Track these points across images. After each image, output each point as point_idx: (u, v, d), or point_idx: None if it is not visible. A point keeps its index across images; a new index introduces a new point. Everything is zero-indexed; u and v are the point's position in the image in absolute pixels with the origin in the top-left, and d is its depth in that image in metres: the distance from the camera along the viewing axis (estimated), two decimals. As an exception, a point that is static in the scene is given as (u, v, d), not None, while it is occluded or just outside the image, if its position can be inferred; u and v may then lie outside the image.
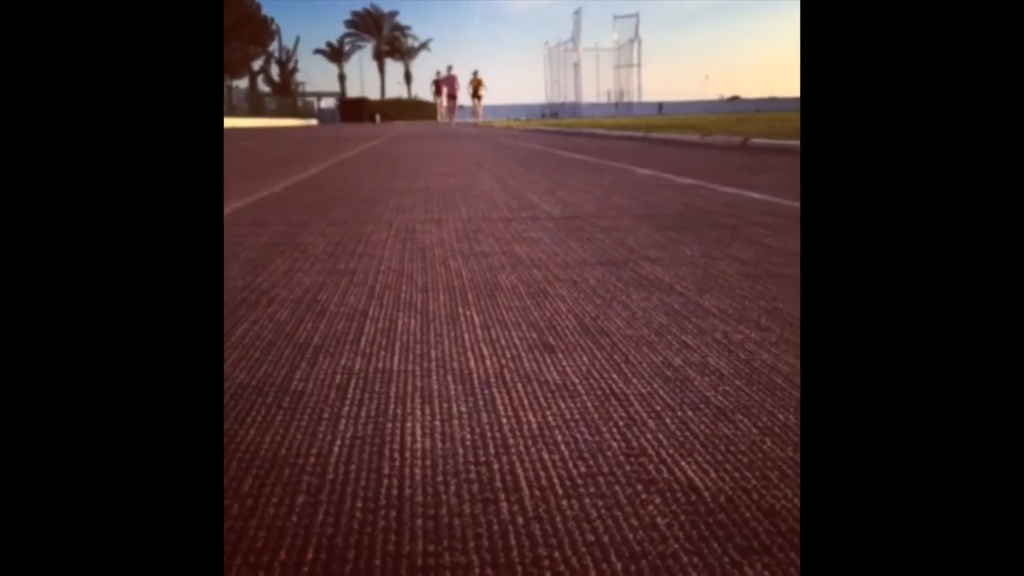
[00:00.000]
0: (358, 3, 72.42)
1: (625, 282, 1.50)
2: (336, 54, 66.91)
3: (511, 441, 0.78)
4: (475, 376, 0.98)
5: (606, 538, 0.61)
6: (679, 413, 0.85)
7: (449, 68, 25.08)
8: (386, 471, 0.72)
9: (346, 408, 0.88)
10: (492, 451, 0.76)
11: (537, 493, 0.68)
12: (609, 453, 0.75)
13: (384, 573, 0.57)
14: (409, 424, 0.83)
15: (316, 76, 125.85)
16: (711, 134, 7.84)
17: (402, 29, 68.61)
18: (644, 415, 0.85)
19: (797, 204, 2.59)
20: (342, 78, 66.56)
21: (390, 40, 67.75)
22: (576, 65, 43.22)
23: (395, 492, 0.68)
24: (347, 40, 67.25)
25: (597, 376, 0.97)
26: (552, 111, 44.90)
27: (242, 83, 47.84)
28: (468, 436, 0.80)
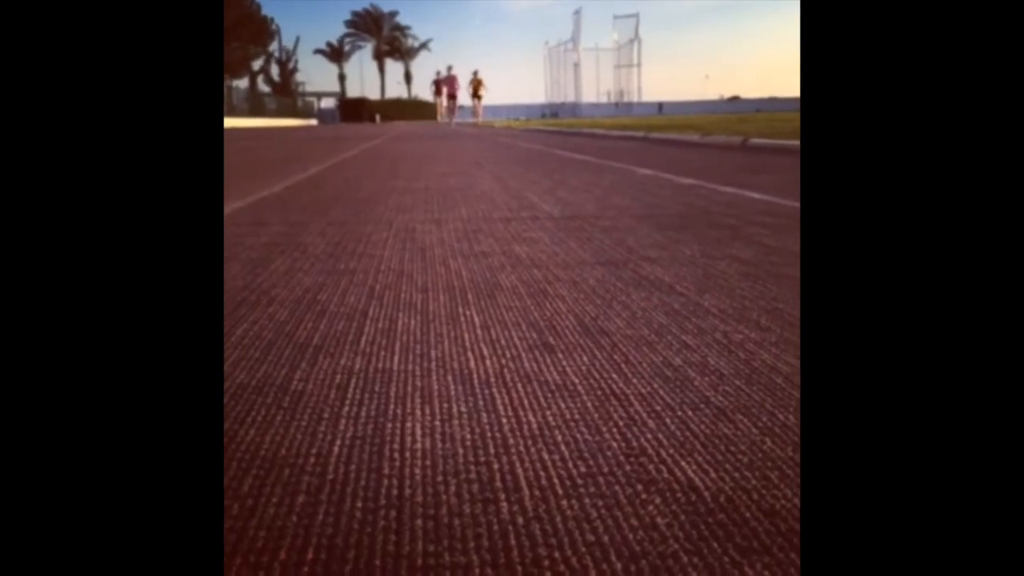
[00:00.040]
0: (358, 3, 72.50)
1: (625, 282, 1.50)
2: (336, 54, 66.92)
3: (511, 441, 0.78)
4: (475, 376, 0.98)
5: (606, 538, 0.61)
6: (679, 413, 0.85)
7: (449, 68, 25.10)
8: (386, 471, 0.72)
9: (346, 408, 0.88)
10: (492, 451, 0.76)
11: (537, 493, 0.68)
12: (609, 453, 0.75)
13: (384, 573, 0.57)
14: (409, 424, 0.83)
15: (316, 76, 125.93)
16: (711, 134, 7.84)
17: (402, 29, 68.69)
18: (644, 415, 0.85)
19: (797, 204, 2.59)
20: (342, 78, 66.61)
21: (390, 40, 67.77)
22: (576, 65, 43.24)
23: (395, 492, 0.68)
24: (347, 40, 67.32)
25: (597, 376, 0.97)
26: (552, 111, 44.90)
27: (242, 83, 47.87)
28: (468, 436, 0.80)
